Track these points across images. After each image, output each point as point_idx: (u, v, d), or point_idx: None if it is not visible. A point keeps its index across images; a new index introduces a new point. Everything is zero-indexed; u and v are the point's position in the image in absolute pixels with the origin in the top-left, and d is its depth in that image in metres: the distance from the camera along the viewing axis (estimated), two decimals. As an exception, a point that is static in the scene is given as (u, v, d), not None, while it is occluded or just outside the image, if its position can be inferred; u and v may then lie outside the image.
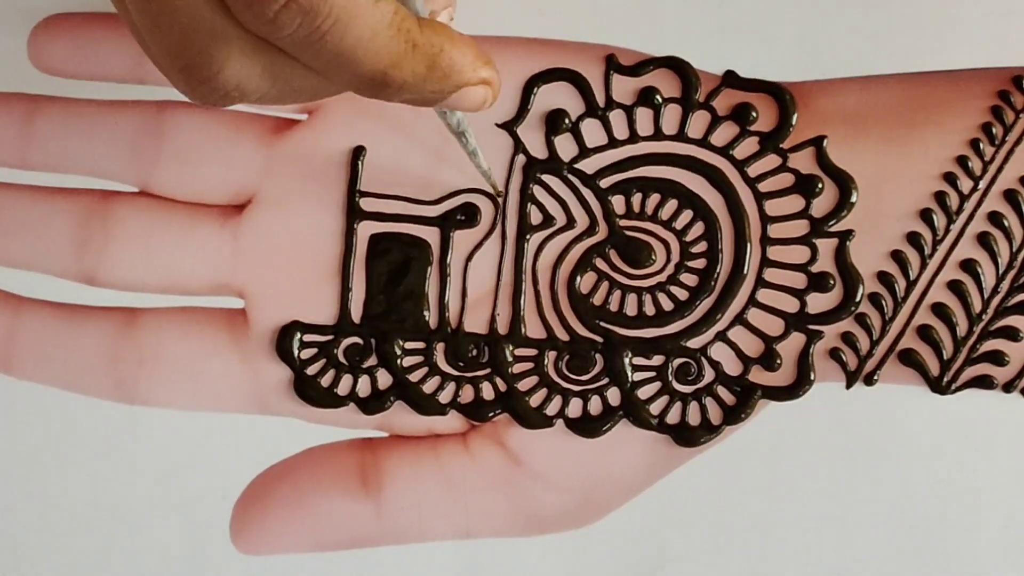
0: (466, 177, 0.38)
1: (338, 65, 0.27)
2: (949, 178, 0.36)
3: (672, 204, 0.37)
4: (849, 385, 0.37)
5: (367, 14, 0.27)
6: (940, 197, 0.36)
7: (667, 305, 0.37)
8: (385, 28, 0.27)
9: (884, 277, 0.37)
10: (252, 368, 0.38)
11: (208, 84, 0.28)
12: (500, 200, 0.38)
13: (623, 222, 0.37)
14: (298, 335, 0.38)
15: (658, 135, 0.37)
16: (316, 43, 0.27)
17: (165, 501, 0.39)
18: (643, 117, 0.37)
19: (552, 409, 0.38)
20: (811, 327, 0.37)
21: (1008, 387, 0.37)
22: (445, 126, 0.34)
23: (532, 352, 0.38)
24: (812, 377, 0.37)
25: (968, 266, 0.36)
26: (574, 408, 0.38)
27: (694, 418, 0.37)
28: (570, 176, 0.38)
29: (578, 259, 0.38)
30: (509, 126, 0.38)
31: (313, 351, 0.38)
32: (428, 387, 0.38)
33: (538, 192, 0.38)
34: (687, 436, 0.37)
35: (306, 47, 0.27)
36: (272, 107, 0.38)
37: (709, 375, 0.37)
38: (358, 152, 0.38)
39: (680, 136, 0.37)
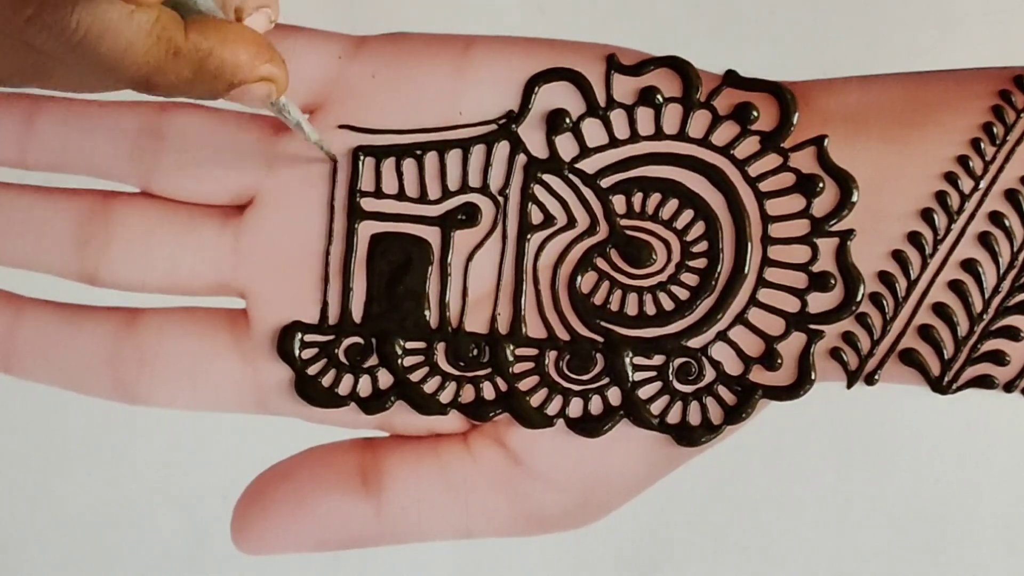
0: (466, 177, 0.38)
1: (100, 70, 0.29)
2: (950, 178, 0.36)
3: (673, 204, 0.37)
4: (850, 385, 0.37)
5: (120, 27, 0.28)
6: (941, 197, 0.36)
7: (668, 305, 0.37)
8: (143, 39, 0.28)
9: (885, 277, 0.37)
10: (253, 368, 0.38)
11: None
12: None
13: (624, 222, 0.37)
14: (299, 335, 0.38)
15: (659, 135, 0.37)
16: (72, 52, 0.28)
17: (165, 501, 0.39)
18: (644, 117, 0.37)
19: (553, 409, 0.38)
20: (812, 327, 0.37)
21: (1009, 387, 0.37)
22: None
23: (533, 352, 0.38)
24: (813, 377, 0.37)
25: (969, 266, 0.36)
26: (575, 408, 0.38)
27: (695, 418, 0.37)
28: (571, 176, 0.38)
29: (579, 259, 0.38)
30: (509, 126, 0.38)
31: (314, 351, 0.38)
32: (429, 387, 0.38)
33: (539, 192, 0.38)
34: (688, 436, 0.37)
35: (65, 54, 0.28)
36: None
37: (710, 375, 0.37)
38: (358, 152, 0.38)
39: (681, 136, 0.37)
